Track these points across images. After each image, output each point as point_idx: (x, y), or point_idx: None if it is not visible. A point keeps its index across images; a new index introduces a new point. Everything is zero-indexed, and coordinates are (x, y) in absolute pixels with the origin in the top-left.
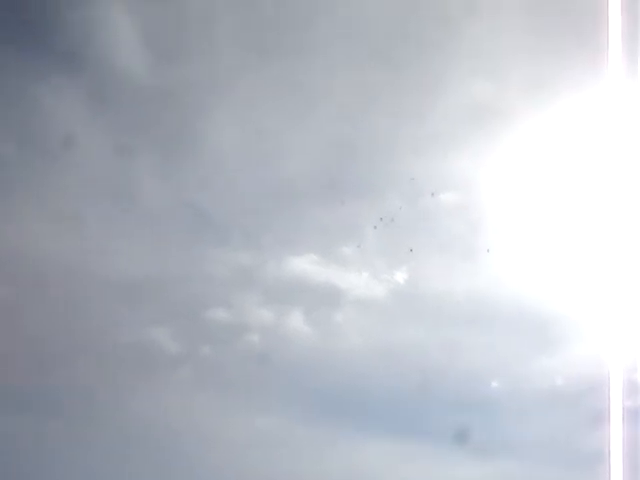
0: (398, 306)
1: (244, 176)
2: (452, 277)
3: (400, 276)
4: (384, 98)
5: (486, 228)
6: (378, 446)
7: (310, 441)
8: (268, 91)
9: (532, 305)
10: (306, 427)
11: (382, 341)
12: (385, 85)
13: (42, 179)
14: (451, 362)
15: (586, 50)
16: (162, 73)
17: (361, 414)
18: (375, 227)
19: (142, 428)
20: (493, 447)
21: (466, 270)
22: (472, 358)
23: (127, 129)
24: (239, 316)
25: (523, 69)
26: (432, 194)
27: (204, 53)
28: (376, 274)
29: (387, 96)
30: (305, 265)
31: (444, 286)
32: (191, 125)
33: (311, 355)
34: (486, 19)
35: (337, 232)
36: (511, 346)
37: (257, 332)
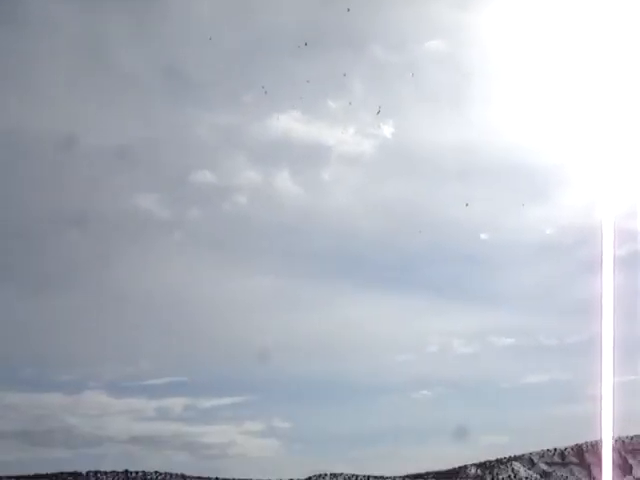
0: (386, 161)
1: (221, 33)
2: (441, 129)
3: (387, 130)
4: None
5: (475, 78)
6: (373, 300)
7: (307, 298)
8: None
9: (522, 155)
10: (302, 285)
11: (371, 198)
12: None
13: (12, 50)
14: (441, 216)
15: None
16: None
17: (354, 270)
18: (361, 80)
19: (138, 293)
20: (484, 298)
21: (455, 122)
22: (462, 211)
23: None
24: (225, 178)
25: None
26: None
27: None
28: (363, 129)
29: None
30: (290, 123)
31: (433, 138)
32: None
33: (300, 215)
34: None
35: (320, 86)
36: (501, 197)
37: (244, 194)
